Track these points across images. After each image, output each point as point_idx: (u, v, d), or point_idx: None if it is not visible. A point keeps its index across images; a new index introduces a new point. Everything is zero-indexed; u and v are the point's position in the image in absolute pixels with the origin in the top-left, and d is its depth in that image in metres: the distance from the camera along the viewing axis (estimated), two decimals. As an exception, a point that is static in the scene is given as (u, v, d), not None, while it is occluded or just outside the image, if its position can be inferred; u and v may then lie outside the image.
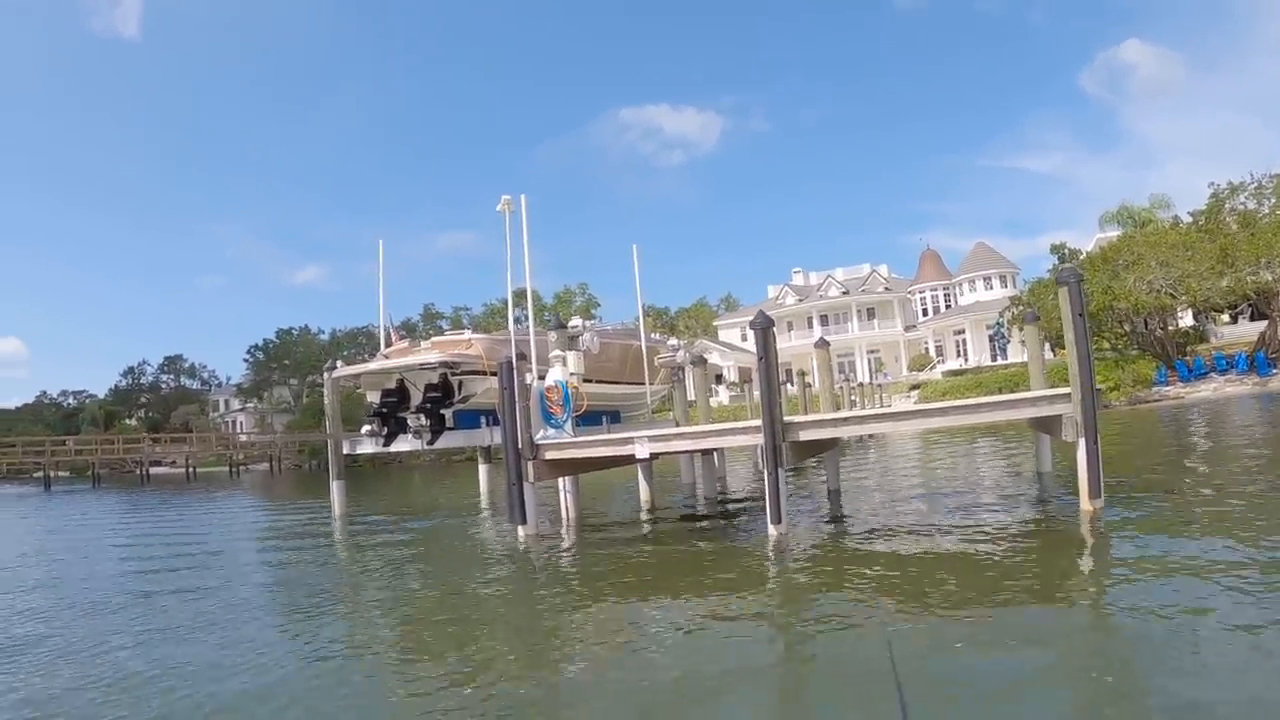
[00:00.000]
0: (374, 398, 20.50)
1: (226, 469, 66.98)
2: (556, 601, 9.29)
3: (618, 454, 13.76)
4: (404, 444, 19.73)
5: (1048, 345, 38.52)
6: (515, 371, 13.32)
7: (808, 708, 5.56)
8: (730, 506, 16.21)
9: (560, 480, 15.04)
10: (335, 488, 20.78)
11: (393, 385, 19.91)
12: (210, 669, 7.14)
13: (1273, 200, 42.20)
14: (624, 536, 13.69)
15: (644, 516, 15.77)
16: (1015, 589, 7.65)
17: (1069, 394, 10.82)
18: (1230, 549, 8.16)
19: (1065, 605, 7.21)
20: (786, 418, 11.77)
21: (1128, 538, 9.39)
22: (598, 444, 13.95)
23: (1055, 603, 7.25)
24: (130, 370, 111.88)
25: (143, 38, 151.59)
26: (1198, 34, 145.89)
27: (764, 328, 11.62)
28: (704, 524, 14.22)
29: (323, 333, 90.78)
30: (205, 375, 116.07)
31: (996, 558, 9.15)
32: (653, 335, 28.50)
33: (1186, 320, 52.00)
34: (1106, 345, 47.17)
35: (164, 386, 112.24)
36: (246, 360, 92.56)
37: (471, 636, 7.72)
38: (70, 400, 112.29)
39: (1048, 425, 13.17)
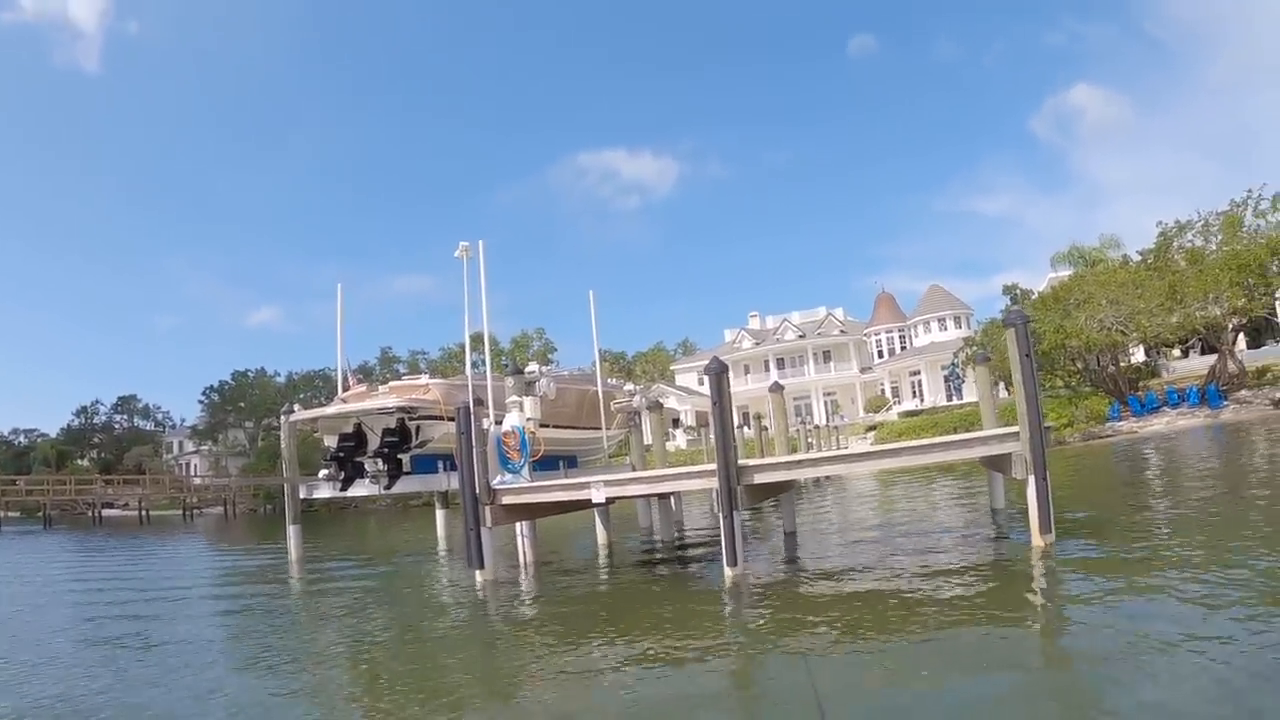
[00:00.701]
0: (331, 442, 20.41)
1: (180, 512, 65.78)
2: (514, 645, 9.30)
3: (574, 498, 13.80)
4: (361, 488, 19.64)
5: (1001, 384, 38.94)
6: (472, 417, 13.36)
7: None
8: (687, 549, 16.27)
9: (518, 525, 15.04)
10: (291, 532, 20.62)
11: (350, 429, 19.84)
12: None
13: (1219, 237, 42.96)
14: (581, 580, 13.74)
15: (601, 560, 15.81)
16: (967, 623, 7.76)
17: (1018, 432, 10.96)
18: (1176, 580, 8.33)
19: (1015, 637, 7.34)
20: (741, 461, 11.89)
21: (1077, 571, 9.55)
22: (554, 489, 13.97)
23: (1006, 635, 7.38)
24: (83, 409, 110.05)
25: (104, 73, 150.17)
26: (1143, 76, 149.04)
27: (718, 373, 11.74)
28: (661, 567, 14.27)
29: (279, 375, 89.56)
30: (159, 416, 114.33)
31: (949, 594, 9.29)
32: (609, 380, 28.58)
33: (1138, 356, 52.74)
34: (1060, 383, 47.70)
35: (117, 427, 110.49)
36: (201, 402, 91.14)
37: (428, 681, 7.71)
38: (21, 439, 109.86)
39: (999, 463, 13.34)
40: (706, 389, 12.23)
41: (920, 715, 5.64)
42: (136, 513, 64.46)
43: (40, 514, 61.73)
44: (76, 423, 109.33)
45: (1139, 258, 48.64)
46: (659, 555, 15.73)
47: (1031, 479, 10.71)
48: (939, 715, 5.61)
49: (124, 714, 7.34)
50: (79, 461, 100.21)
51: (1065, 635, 7.36)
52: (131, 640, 11.19)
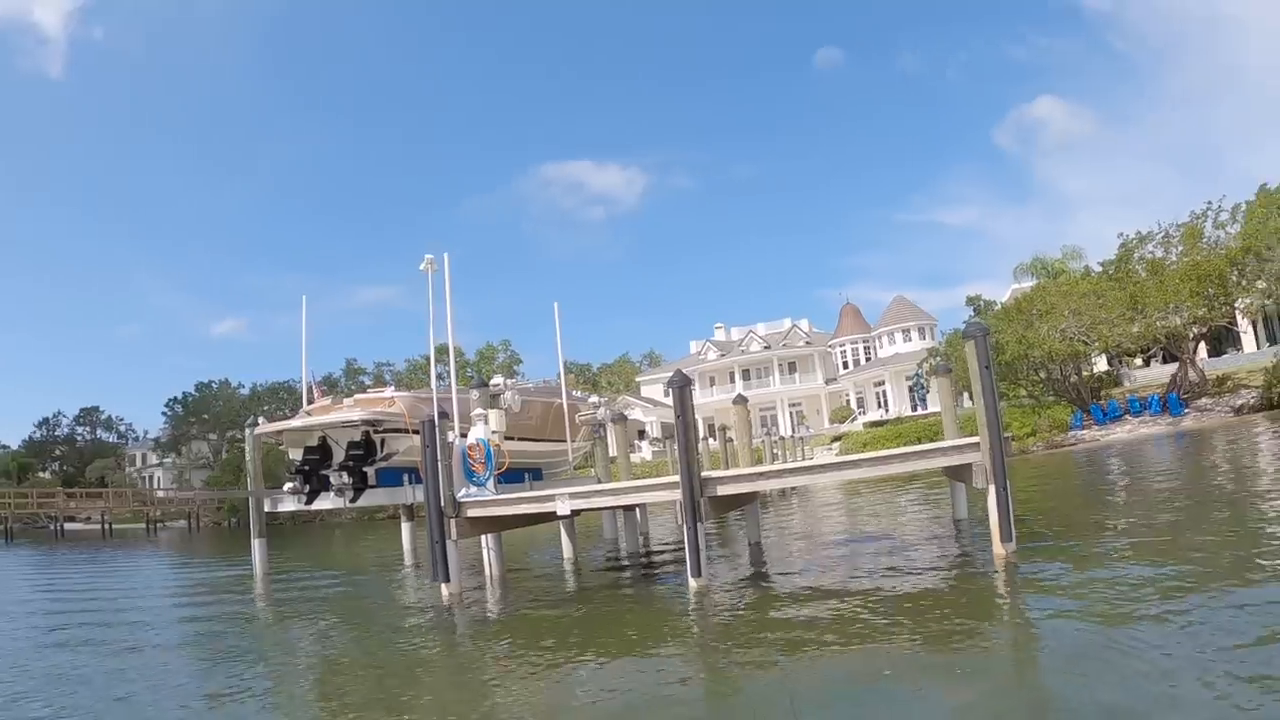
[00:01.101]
0: (296, 455, 20.28)
1: (143, 526, 65.08)
2: (480, 658, 9.30)
3: (540, 511, 13.80)
4: (326, 502, 19.53)
5: (965, 394, 39.20)
6: (437, 430, 13.36)
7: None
8: (652, 560, 16.29)
9: (483, 538, 15.02)
10: (256, 546, 20.46)
11: (315, 442, 19.75)
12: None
13: (1180, 248, 43.48)
14: (547, 593, 13.75)
15: (567, 572, 15.83)
16: (929, 629, 7.83)
17: (979, 443, 11.07)
18: (1135, 583, 8.48)
19: (976, 643, 7.40)
20: (705, 473, 11.94)
21: (1037, 578, 9.68)
22: (520, 501, 13.96)
23: (967, 641, 7.45)
24: (44, 421, 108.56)
25: (68, 79, 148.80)
26: (1107, 89, 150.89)
27: (680, 386, 11.81)
28: (626, 579, 14.31)
29: (243, 386, 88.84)
30: (122, 428, 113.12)
31: (911, 602, 9.38)
32: (574, 392, 28.58)
33: (1100, 365, 53.20)
34: (1023, 393, 48.06)
35: (79, 439, 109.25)
36: (165, 414, 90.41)
37: (395, 697, 7.69)
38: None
39: (960, 473, 13.49)
40: (672, 400, 12.28)
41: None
42: (99, 526, 63.75)
43: (1, 528, 60.93)
44: (38, 435, 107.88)
45: (1100, 269, 49.19)
46: (624, 567, 15.76)
47: (992, 488, 10.83)
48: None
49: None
50: (41, 474, 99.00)
51: (1025, 641, 7.48)
52: (92, 660, 11.09)
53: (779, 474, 13.02)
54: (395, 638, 11.12)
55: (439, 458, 13.32)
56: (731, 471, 13.60)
